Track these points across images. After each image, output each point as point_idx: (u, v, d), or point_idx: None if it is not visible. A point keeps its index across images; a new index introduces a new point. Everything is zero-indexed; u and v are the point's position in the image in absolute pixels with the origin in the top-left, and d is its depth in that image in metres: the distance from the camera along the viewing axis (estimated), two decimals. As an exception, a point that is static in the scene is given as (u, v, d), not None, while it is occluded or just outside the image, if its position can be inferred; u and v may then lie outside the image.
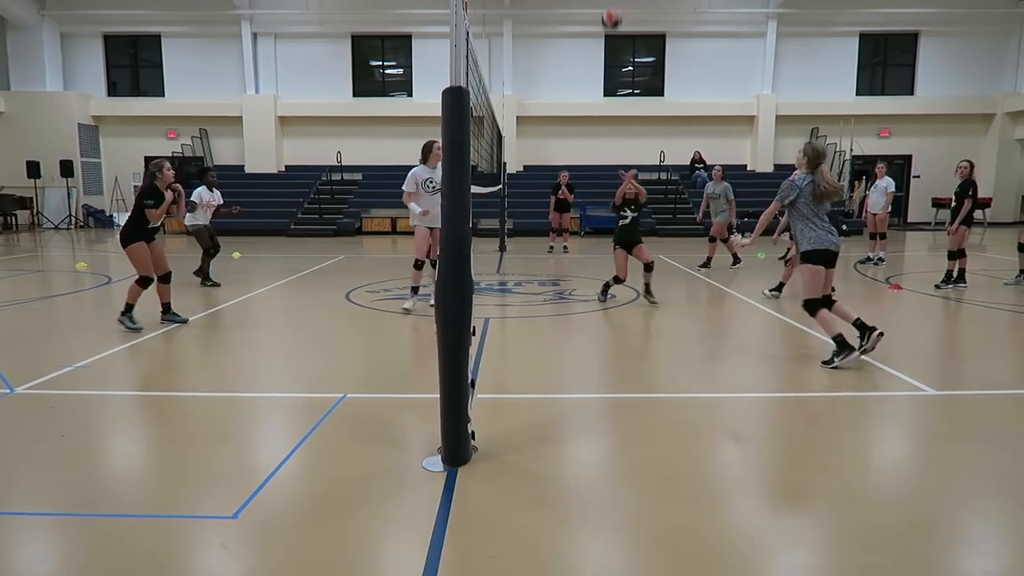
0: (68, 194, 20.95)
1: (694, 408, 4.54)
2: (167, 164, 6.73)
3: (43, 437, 3.87)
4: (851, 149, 20.46)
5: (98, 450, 3.83)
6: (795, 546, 2.78)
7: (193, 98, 21.66)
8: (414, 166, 7.21)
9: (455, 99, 3.31)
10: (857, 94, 21.79)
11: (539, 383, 5.10)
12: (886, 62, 22.01)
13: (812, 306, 5.39)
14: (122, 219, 7.09)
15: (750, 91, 21.59)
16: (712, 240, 11.51)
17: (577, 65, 21.59)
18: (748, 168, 21.89)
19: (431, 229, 7.14)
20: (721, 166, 11.93)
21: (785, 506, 3.12)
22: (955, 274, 9.19)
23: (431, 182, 7.02)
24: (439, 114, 3.32)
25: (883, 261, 11.92)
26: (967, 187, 8.98)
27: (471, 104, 3.52)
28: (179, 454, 3.65)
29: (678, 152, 20.60)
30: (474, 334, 3.48)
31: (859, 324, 5.28)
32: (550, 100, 21.48)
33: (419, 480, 3.27)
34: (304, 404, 4.52)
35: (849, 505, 3.04)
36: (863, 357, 5.28)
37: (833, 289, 5.62)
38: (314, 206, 19.95)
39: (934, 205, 20.69)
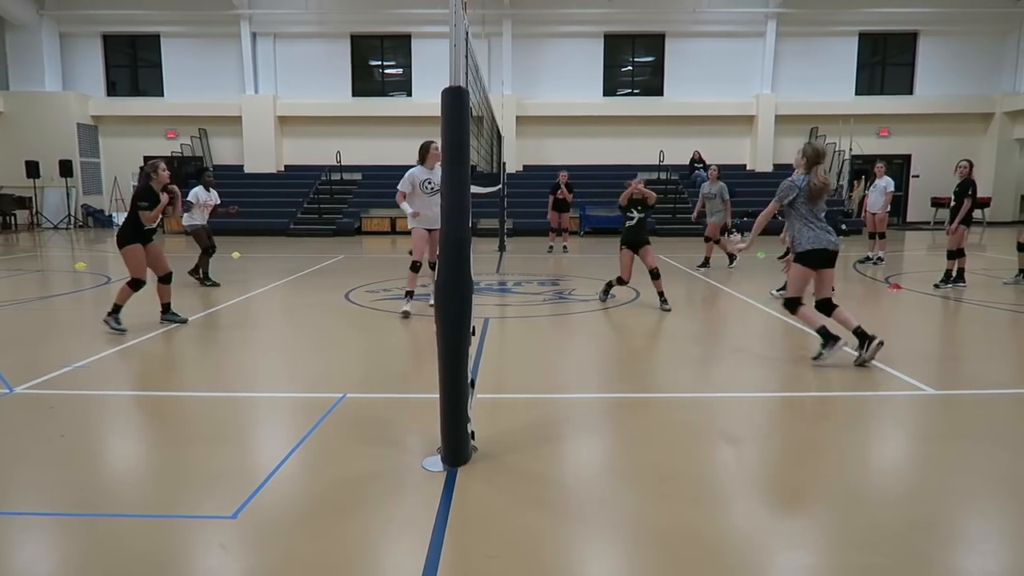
0: (67, 194, 20.94)
1: (694, 408, 4.54)
2: (162, 165, 6.67)
3: (42, 437, 3.87)
4: (850, 149, 20.47)
5: (97, 450, 3.83)
6: (795, 546, 2.78)
7: (192, 98, 21.65)
8: (413, 166, 7.18)
9: (455, 99, 3.30)
10: (856, 94, 21.79)
11: (539, 383, 5.10)
12: (885, 62, 22.02)
13: (792, 304, 5.44)
14: (121, 219, 7.05)
15: (749, 91, 21.60)
16: (708, 240, 11.52)
17: (576, 65, 21.59)
18: (748, 168, 21.90)
19: (429, 231, 7.09)
20: (717, 166, 11.94)
21: (785, 506, 3.12)
22: (954, 273, 9.20)
23: (429, 183, 6.97)
24: (439, 114, 3.31)
25: (882, 261, 11.92)
26: (966, 186, 8.98)
27: (471, 104, 3.52)
28: (178, 454, 3.65)
29: (677, 152, 20.61)
30: (474, 334, 3.48)
31: (859, 332, 5.27)
32: (549, 100, 21.48)
33: (419, 480, 3.27)
34: (303, 404, 4.52)
35: (849, 505, 3.05)
36: (864, 365, 5.27)
37: (832, 289, 5.63)
38: (313, 206, 19.95)
39: (933, 204, 20.70)
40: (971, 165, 9.13)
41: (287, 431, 4.06)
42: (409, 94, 21.96)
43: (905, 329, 7.23)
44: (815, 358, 5.36)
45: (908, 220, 22.09)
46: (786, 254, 11.95)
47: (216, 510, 2.99)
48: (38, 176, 20.24)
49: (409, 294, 7.23)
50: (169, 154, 21.65)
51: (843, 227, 17.72)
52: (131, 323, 6.81)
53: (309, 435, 3.87)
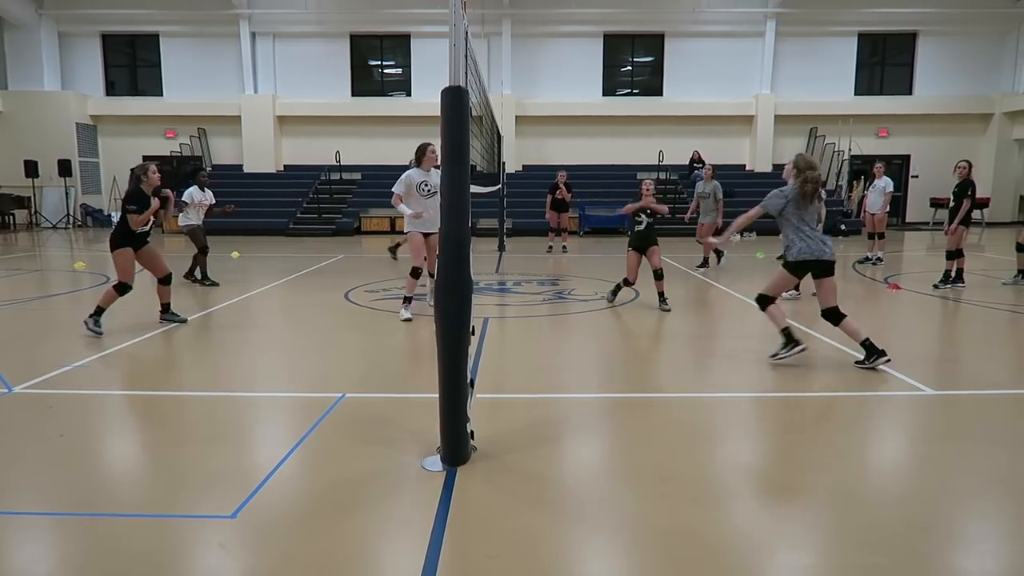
0: (66, 193, 20.93)
1: (693, 408, 4.54)
2: (152, 167, 6.57)
3: (41, 437, 3.86)
4: (849, 149, 20.48)
5: (96, 450, 3.82)
6: (794, 546, 2.78)
7: (191, 98, 21.64)
8: (411, 167, 7.15)
9: (454, 99, 3.30)
10: (855, 94, 21.80)
11: (538, 383, 5.10)
12: (884, 62, 22.03)
13: (764, 301, 5.46)
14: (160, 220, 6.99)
15: (749, 91, 21.61)
16: (700, 242, 11.53)
17: (576, 65, 21.59)
18: (747, 168, 21.91)
19: (426, 235, 7.02)
20: (711, 165, 11.96)
21: (784, 506, 3.13)
22: (953, 274, 9.20)
23: (425, 185, 6.90)
24: (438, 114, 3.32)
25: (881, 261, 11.93)
26: (965, 187, 8.99)
27: (470, 104, 3.52)
28: (178, 454, 3.64)
29: (677, 152, 20.62)
30: (473, 334, 3.48)
31: (867, 345, 5.25)
32: (549, 100, 21.48)
33: (418, 480, 3.27)
34: (303, 404, 4.52)
35: (848, 505, 3.05)
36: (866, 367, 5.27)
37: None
38: (313, 206, 19.94)
39: (932, 205, 20.71)
40: (970, 165, 9.14)
41: (286, 431, 4.06)
42: (408, 94, 21.96)
43: (904, 329, 7.23)
44: (772, 356, 5.38)
45: (907, 220, 22.11)
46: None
47: (215, 510, 2.99)
48: (37, 176, 20.23)
49: (408, 300, 7.17)
50: (168, 154, 21.68)
51: (842, 227, 17.75)
52: (131, 323, 6.81)
53: (308, 435, 3.86)
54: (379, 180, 19.98)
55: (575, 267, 11.99)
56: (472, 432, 3.53)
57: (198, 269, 9.64)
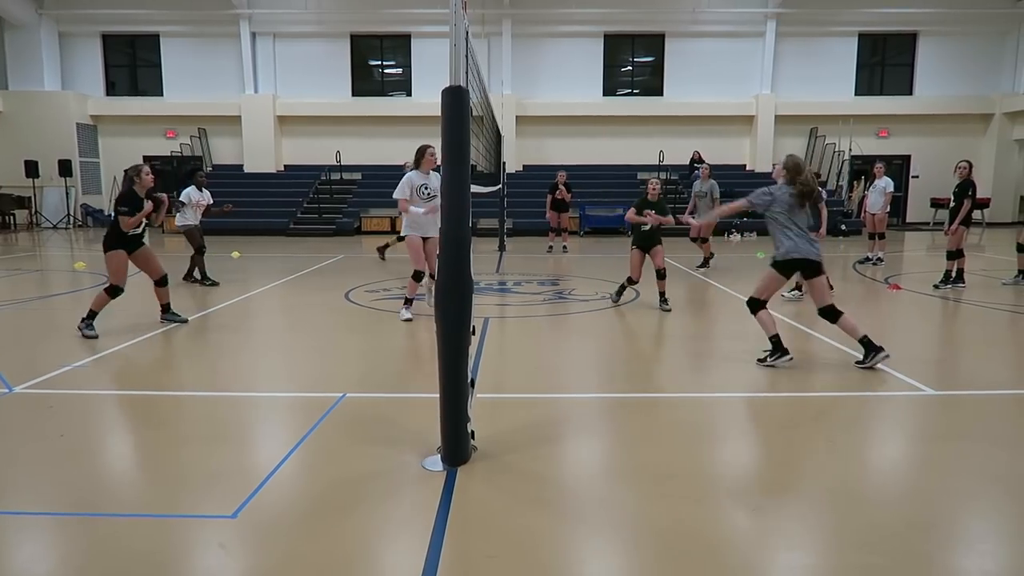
0: (66, 193, 20.92)
1: (693, 408, 4.54)
2: (145, 169, 6.49)
3: (41, 436, 3.87)
4: (850, 149, 20.47)
5: (96, 449, 3.83)
6: (794, 546, 2.78)
7: (192, 98, 21.63)
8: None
9: (455, 98, 3.30)
10: (856, 94, 21.79)
11: (538, 383, 5.11)
12: (885, 62, 22.02)
13: (754, 305, 5.45)
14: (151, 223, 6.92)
15: (749, 91, 21.60)
16: (694, 240, 11.51)
17: (576, 65, 21.58)
18: (747, 168, 21.90)
19: (424, 239, 6.95)
20: (708, 165, 11.97)
21: (784, 506, 3.12)
22: (954, 274, 9.20)
23: (425, 188, 6.83)
24: (438, 114, 3.31)
25: (882, 261, 11.93)
26: (966, 187, 8.98)
27: (471, 104, 3.52)
28: (178, 454, 3.65)
29: (677, 152, 20.60)
30: (474, 334, 3.48)
31: (865, 342, 5.25)
32: (549, 100, 21.48)
33: (418, 479, 3.27)
34: (303, 404, 4.52)
35: (848, 505, 3.05)
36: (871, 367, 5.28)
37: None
38: (313, 206, 19.94)
39: (933, 205, 20.70)
40: (970, 166, 9.13)
41: (287, 431, 4.06)
42: (409, 94, 21.95)
43: (904, 330, 7.23)
44: (759, 360, 5.36)
45: (907, 221, 22.09)
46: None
47: (216, 510, 2.99)
48: (37, 176, 20.22)
49: (408, 301, 7.15)
50: (169, 154, 21.68)
51: (843, 228, 17.76)
52: (131, 323, 6.81)
53: (309, 435, 3.87)
54: (379, 180, 20.00)
55: (575, 267, 11.99)
56: (472, 432, 3.53)
57: (197, 269, 9.64)
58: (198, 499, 3.12)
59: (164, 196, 6.72)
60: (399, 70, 22.22)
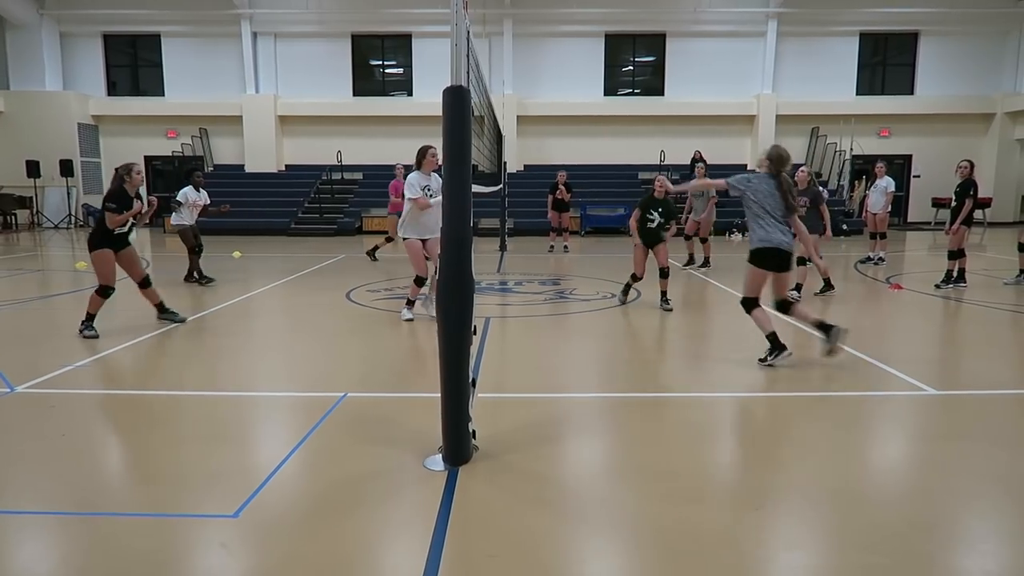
0: (68, 193, 20.95)
1: (694, 407, 4.54)
2: (136, 167, 6.44)
3: (43, 436, 3.87)
4: (851, 149, 20.47)
5: (98, 449, 3.83)
6: (795, 546, 2.78)
7: (193, 98, 21.65)
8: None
9: (456, 98, 3.30)
10: (857, 94, 21.79)
11: (540, 382, 5.10)
12: (886, 62, 22.01)
13: (747, 304, 5.45)
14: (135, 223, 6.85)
15: (750, 91, 21.60)
16: (702, 240, 11.50)
17: (577, 65, 21.59)
18: (748, 168, 21.88)
19: (424, 241, 6.88)
20: (702, 164, 11.98)
21: (785, 506, 3.12)
22: (955, 274, 9.19)
23: (427, 189, 6.80)
24: (439, 114, 3.31)
25: (883, 261, 11.92)
26: (967, 187, 8.98)
27: (472, 103, 3.52)
28: (179, 453, 3.65)
29: (678, 152, 20.61)
30: (475, 333, 3.48)
31: (819, 325, 5.29)
32: (550, 100, 21.48)
33: (420, 479, 3.27)
34: (304, 403, 4.52)
35: (849, 505, 3.05)
36: (839, 355, 5.28)
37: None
38: (314, 206, 19.95)
39: (934, 205, 20.69)
40: (972, 165, 9.12)
41: (288, 430, 4.06)
42: (410, 94, 21.97)
43: (906, 329, 7.23)
44: (761, 360, 5.35)
45: (909, 220, 22.09)
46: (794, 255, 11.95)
47: (217, 509, 2.99)
48: (39, 176, 20.25)
49: (410, 302, 7.14)
50: (170, 154, 21.71)
51: (844, 227, 17.75)
52: (132, 323, 6.81)
53: (310, 434, 3.87)
54: (381, 180, 19.94)
55: (576, 267, 11.99)
56: (474, 432, 3.53)
57: (194, 271, 9.63)
58: (200, 499, 3.13)
59: (155, 200, 6.69)
60: (400, 70, 22.23)
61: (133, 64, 22.50)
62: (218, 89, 21.70)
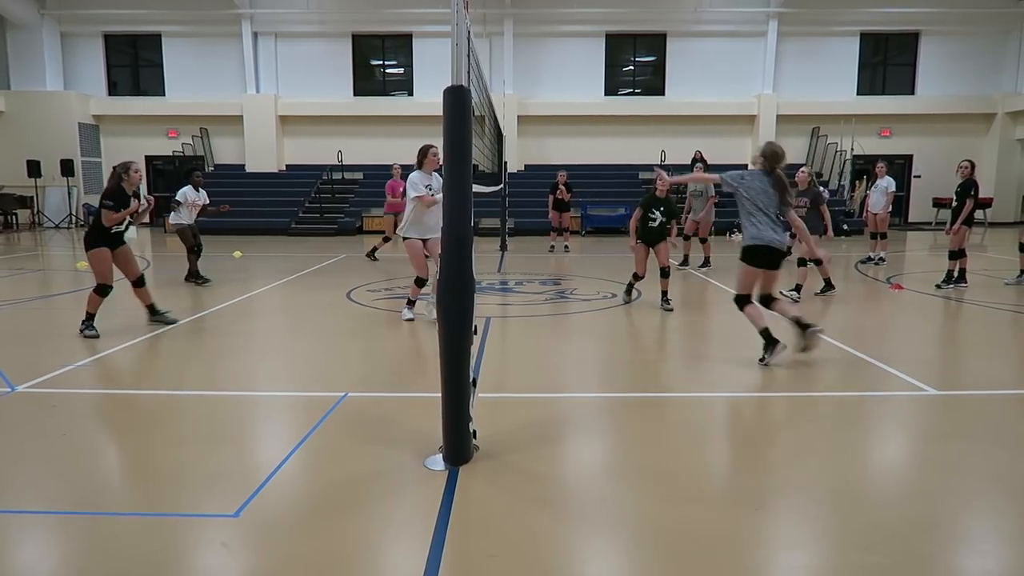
0: (69, 193, 20.95)
1: (695, 407, 4.54)
2: (134, 166, 6.41)
3: (44, 436, 3.87)
4: (852, 149, 20.46)
5: (99, 449, 3.83)
6: (796, 545, 2.78)
7: (194, 97, 21.66)
8: (414, 166, 7.03)
9: (456, 98, 3.31)
10: (858, 94, 21.77)
11: (540, 382, 5.10)
12: (887, 62, 21.99)
13: (740, 301, 5.48)
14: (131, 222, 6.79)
15: (751, 90, 21.59)
16: (702, 241, 11.51)
17: (578, 64, 21.58)
18: (749, 168, 21.83)
19: (424, 241, 6.84)
20: (700, 165, 11.98)
21: (786, 506, 3.12)
22: (956, 274, 9.19)
23: (429, 188, 6.79)
24: (440, 113, 3.31)
25: (884, 261, 11.92)
26: (968, 187, 8.97)
27: (472, 103, 3.52)
28: (180, 453, 3.65)
29: (679, 151, 20.58)
30: (475, 333, 3.48)
31: (796, 322, 5.34)
32: (551, 99, 21.47)
33: (420, 479, 3.28)
34: (305, 403, 4.52)
35: (850, 505, 3.05)
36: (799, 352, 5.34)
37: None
38: (315, 205, 19.96)
39: (935, 205, 20.67)
40: (972, 165, 9.12)
41: (288, 430, 4.06)
42: (411, 94, 21.96)
43: (906, 329, 7.23)
44: (760, 360, 5.35)
45: (909, 220, 22.07)
46: (787, 253, 11.96)
47: (218, 509, 2.99)
48: (39, 175, 20.25)
49: (411, 302, 7.13)
50: (171, 153, 21.71)
51: (844, 227, 17.73)
52: (132, 322, 6.81)
53: (311, 434, 3.87)
54: (381, 180, 19.88)
55: (577, 267, 11.99)
56: (474, 431, 3.54)
57: (192, 271, 9.63)
58: (200, 498, 3.13)
59: (152, 200, 6.67)
60: (401, 70, 22.23)
61: (134, 64, 22.51)
62: (219, 89, 21.70)
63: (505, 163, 14.74)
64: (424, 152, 6.75)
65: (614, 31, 21.62)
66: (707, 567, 2.56)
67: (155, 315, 6.79)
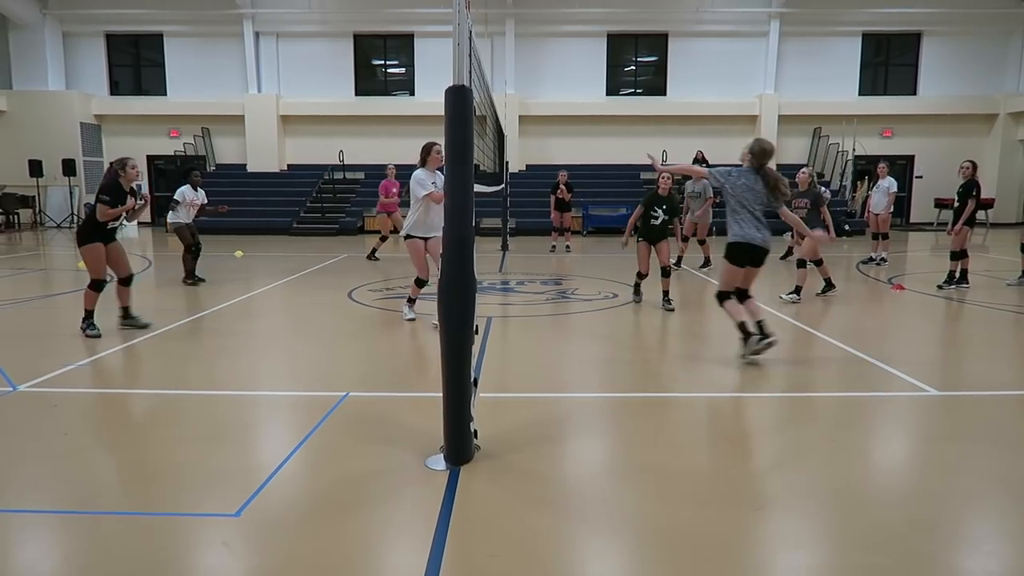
0: (70, 193, 20.97)
1: (696, 408, 4.54)
2: (131, 162, 6.34)
3: (45, 435, 3.88)
4: (853, 149, 20.43)
5: (100, 448, 3.83)
6: (797, 546, 2.78)
7: (195, 97, 21.67)
8: (415, 166, 6.99)
9: (458, 98, 3.31)
10: (860, 94, 21.75)
11: (541, 382, 5.11)
12: (888, 62, 21.97)
13: (720, 297, 5.55)
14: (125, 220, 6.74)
15: (752, 91, 21.57)
16: (700, 242, 11.50)
17: (579, 64, 21.58)
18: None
19: (425, 240, 6.80)
20: (706, 165, 11.97)
21: (787, 506, 3.12)
22: (957, 275, 9.18)
23: (433, 186, 6.76)
24: (442, 113, 3.31)
25: (885, 261, 11.91)
26: (970, 187, 8.97)
27: (474, 103, 3.52)
28: (181, 453, 3.65)
29: (680, 152, 20.51)
30: (477, 333, 3.48)
31: (759, 325, 5.35)
32: (552, 99, 21.47)
33: (421, 479, 3.28)
34: (306, 403, 4.52)
35: (851, 505, 3.04)
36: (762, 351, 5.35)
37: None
38: (316, 205, 19.96)
39: (937, 205, 20.64)
40: (974, 166, 9.12)
41: (290, 430, 4.06)
42: (412, 93, 21.97)
43: (908, 330, 7.22)
44: (741, 356, 5.41)
45: (911, 221, 22.05)
46: (788, 253, 11.97)
47: (219, 508, 3.00)
48: (41, 175, 20.27)
49: (412, 300, 7.12)
50: (172, 153, 21.73)
51: (846, 228, 17.70)
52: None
53: (312, 434, 3.87)
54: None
55: (578, 267, 11.98)
56: (475, 431, 3.54)
57: (194, 268, 9.63)
58: (201, 498, 3.13)
59: (147, 195, 6.64)
60: (402, 70, 22.23)
61: (135, 64, 22.52)
62: (220, 89, 21.71)
63: (506, 163, 14.74)
64: (427, 150, 6.70)
65: (616, 31, 21.61)
66: (707, 567, 2.56)
67: (127, 318, 6.61)
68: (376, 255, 12.57)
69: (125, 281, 6.58)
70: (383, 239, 12.71)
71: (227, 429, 4.05)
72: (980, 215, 13.72)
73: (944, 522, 2.91)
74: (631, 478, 3.37)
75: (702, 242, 11.50)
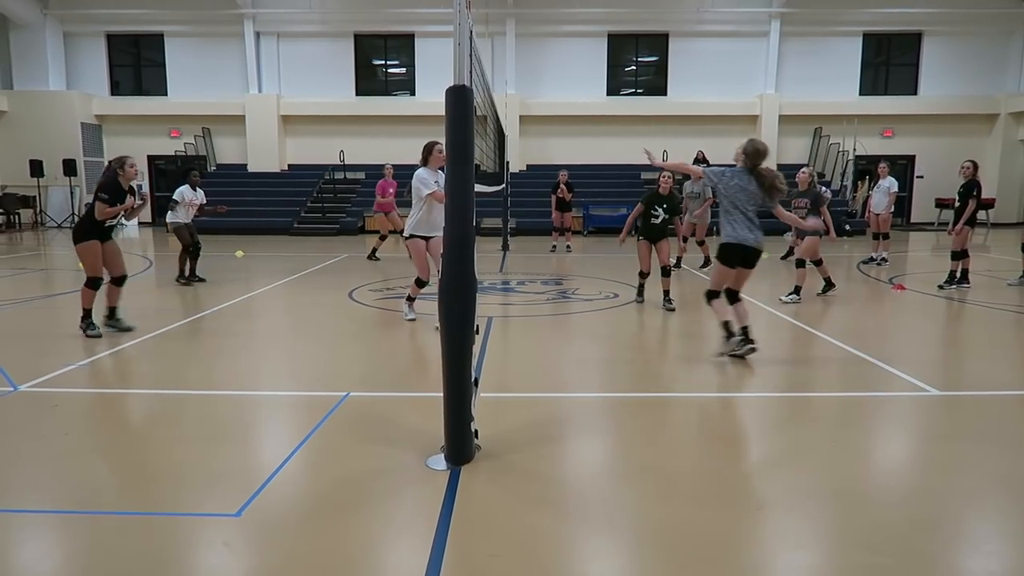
0: (71, 193, 20.98)
1: (697, 408, 4.54)
2: (129, 161, 6.33)
3: (45, 435, 3.88)
4: (854, 149, 20.43)
5: (101, 448, 3.83)
6: (797, 546, 2.78)
7: (196, 97, 21.68)
8: (416, 165, 6.97)
9: (458, 98, 3.31)
10: (860, 94, 21.74)
11: (542, 382, 5.11)
12: (889, 62, 21.96)
13: (708, 295, 5.63)
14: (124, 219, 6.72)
15: (753, 91, 21.57)
16: (699, 243, 11.49)
17: (580, 64, 21.58)
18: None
19: (427, 240, 6.76)
20: (706, 165, 11.94)
21: (788, 506, 3.12)
22: (958, 275, 9.18)
23: (436, 185, 6.73)
24: (442, 113, 3.31)
25: (886, 261, 11.90)
26: (971, 187, 8.97)
27: (474, 103, 3.52)
28: (181, 452, 3.65)
29: (681, 151, 20.40)
30: (477, 333, 3.48)
31: (743, 330, 5.39)
32: (553, 99, 21.47)
33: (422, 478, 3.28)
34: (307, 402, 4.53)
35: (852, 505, 3.04)
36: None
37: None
38: (317, 205, 19.97)
39: (937, 205, 20.64)
40: (975, 166, 9.11)
41: (290, 429, 4.06)
42: (413, 93, 21.97)
43: (909, 330, 7.22)
44: (719, 353, 5.50)
45: (912, 221, 22.04)
46: (788, 253, 11.97)
47: (220, 508, 3.00)
48: (42, 175, 20.28)
49: (411, 300, 7.11)
50: (173, 153, 21.74)
51: (847, 228, 17.71)
52: (134, 322, 6.79)
53: (312, 433, 3.87)
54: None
55: (579, 267, 11.98)
56: (476, 431, 3.53)
57: (189, 268, 9.62)
58: (202, 498, 3.13)
59: (146, 195, 6.63)
60: (403, 70, 22.24)
61: (136, 64, 22.53)
62: (221, 89, 21.72)
63: (507, 163, 14.74)
64: (429, 149, 6.67)
65: (616, 31, 21.61)
66: (708, 567, 2.55)
67: (112, 319, 6.58)
68: (376, 255, 12.58)
69: (118, 281, 6.55)
70: (382, 238, 12.72)
71: (228, 429, 4.05)
72: (981, 215, 13.75)
73: (945, 522, 2.91)
74: (631, 478, 3.37)
75: (701, 243, 11.49)
